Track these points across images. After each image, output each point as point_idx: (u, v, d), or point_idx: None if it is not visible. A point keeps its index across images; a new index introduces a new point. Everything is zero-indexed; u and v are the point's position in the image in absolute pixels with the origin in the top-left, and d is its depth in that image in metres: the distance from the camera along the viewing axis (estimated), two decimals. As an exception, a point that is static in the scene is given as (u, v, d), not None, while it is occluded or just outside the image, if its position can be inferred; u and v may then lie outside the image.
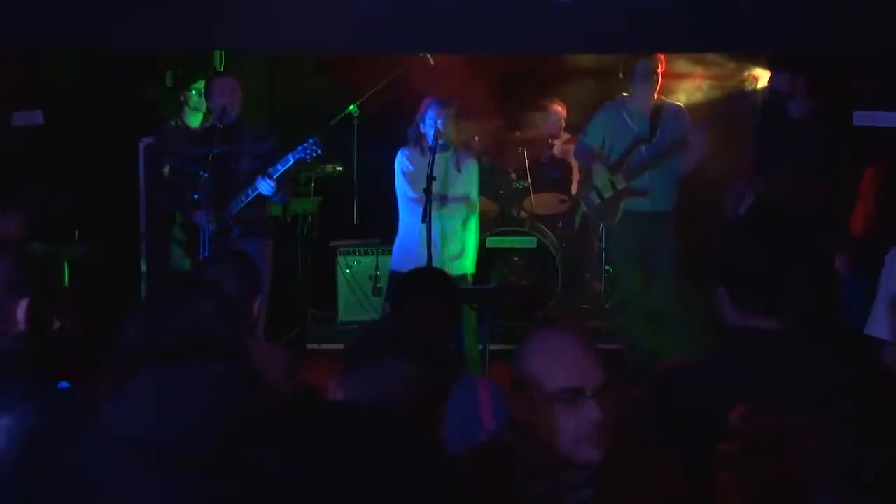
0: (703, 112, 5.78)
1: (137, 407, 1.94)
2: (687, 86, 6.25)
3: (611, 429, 2.00)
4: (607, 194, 5.80)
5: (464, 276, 5.38)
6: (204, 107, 6.20)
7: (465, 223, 5.39)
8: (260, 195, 5.25)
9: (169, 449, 1.90)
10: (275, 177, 5.17)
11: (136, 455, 1.91)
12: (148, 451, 1.91)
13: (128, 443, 1.92)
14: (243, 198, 5.25)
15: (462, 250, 5.38)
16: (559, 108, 7.54)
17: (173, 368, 1.95)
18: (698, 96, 6.13)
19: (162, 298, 2.10)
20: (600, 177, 5.83)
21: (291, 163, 5.21)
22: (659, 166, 5.63)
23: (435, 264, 5.01)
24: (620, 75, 5.77)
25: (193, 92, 6.30)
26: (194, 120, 6.36)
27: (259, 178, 5.18)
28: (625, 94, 5.77)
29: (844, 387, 1.83)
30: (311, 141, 5.19)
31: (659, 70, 5.63)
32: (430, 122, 5.14)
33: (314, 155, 5.24)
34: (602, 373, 2.01)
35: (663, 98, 5.72)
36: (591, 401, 1.97)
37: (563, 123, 7.58)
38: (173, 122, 6.41)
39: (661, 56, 5.63)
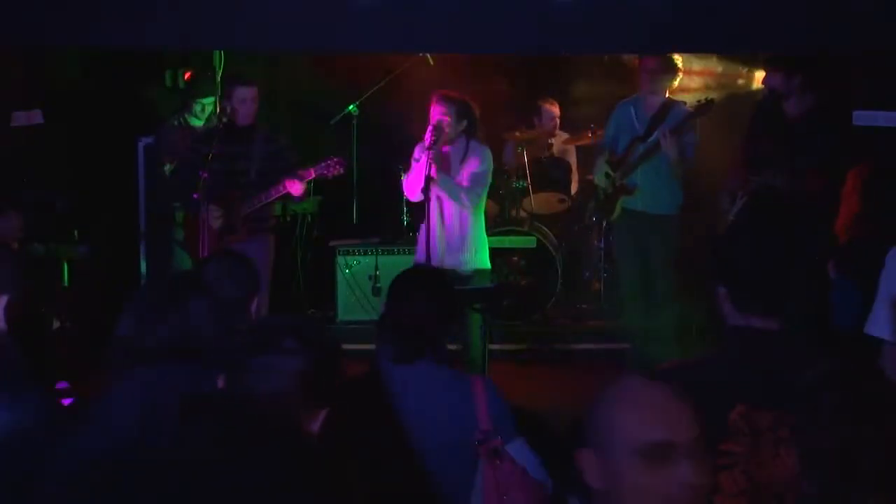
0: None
1: (122, 405, 1.95)
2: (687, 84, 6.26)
3: (705, 495, 1.75)
4: (609, 190, 5.83)
5: (472, 273, 5.28)
6: (205, 118, 6.24)
7: (467, 217, 5.24)
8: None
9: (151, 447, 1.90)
10: (306, 179, 5.31)
11: (121, 455, 1.92)
12: (131, 448, 1.91)
13: (113, 440, 1.93)
14: (264, 197, 5.32)
15: (462, 246, 5.27)
16: (552, 108, 7.53)
17: (158, 368, 1.96)
18: (696, 95, 6.13)
19: (152, 298, 2.09)
20: (599, 172, 5.86)
21: (312, 177, 5.33)
22: (651, 167, 5.61)
23: (437, 261, 5.01)
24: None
25: (198, 106, 6.32)
26: (196, 125, 6.39)
27: (286, 180, 5.26)
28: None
29: (831, 376, 1.84)
30: (335, 160, 5.34)
31: (665, 70, 5.61)
32: (433, 119, 5.08)
33: (335, 173, 5.38)
34: (696, 427, 1.73)
35: (673, 99, 5.71)
36: (684, 460, 1.69)
37: (557, 122, 7.57)
38: (176, 122, 6.41)
39: (678, 58, 5.63)
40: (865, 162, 4.58)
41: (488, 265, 5.36)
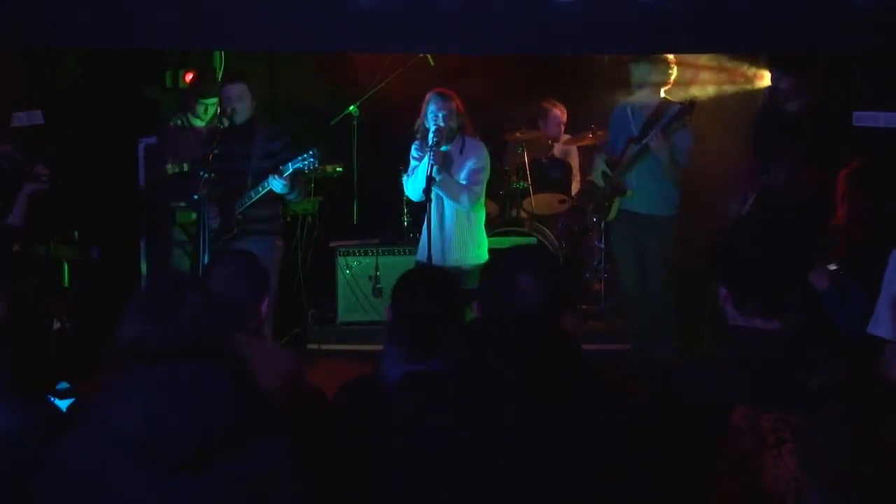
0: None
1: (126, 405, 1.94)
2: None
3: None
4: (606, 190, 5.84)
5: (472, 270, 5.25)
6: (207, 118, 6.22)
7: (468, 214, 5.25)
8: (272, 194, 5.28)
9: (156, 447, 1.89)
10: (285, 175, 5.18)
11: (125, 452, 1.91)
12: (136, 448, 1.91)
13: (117, 440, 1.92)
14: (252, 194, 5.27)
15: (463, 243, 5.28)
16: (559, 112, 7.52)
17: (162, 368, 1.95)
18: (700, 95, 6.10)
19: (156, 297, 2.08)
20: (597, 172, 5.87)
21: (290, 171, 5.20)
22: (646, 168, 5.60)
23: (438, 259, 5.01)
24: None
25: (200, 107, 6.31)
26: (198, 125, 6.38)
27: (271, 177, 5.20)
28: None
29: (833, 389, 1.83)
30: (309, 152, 5.19)
31: (657, 70, 5.60)
32: (431, 117, 5.08)
33: (311, 167, 5.25)
34: None
35: (669, 100, 5.69)
36: None
37: (563, 128, 7.56)
38: (180, 122, 6.40)
39: (672, 58, 5.62)
40: (859, 162, 4.58)
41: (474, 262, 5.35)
